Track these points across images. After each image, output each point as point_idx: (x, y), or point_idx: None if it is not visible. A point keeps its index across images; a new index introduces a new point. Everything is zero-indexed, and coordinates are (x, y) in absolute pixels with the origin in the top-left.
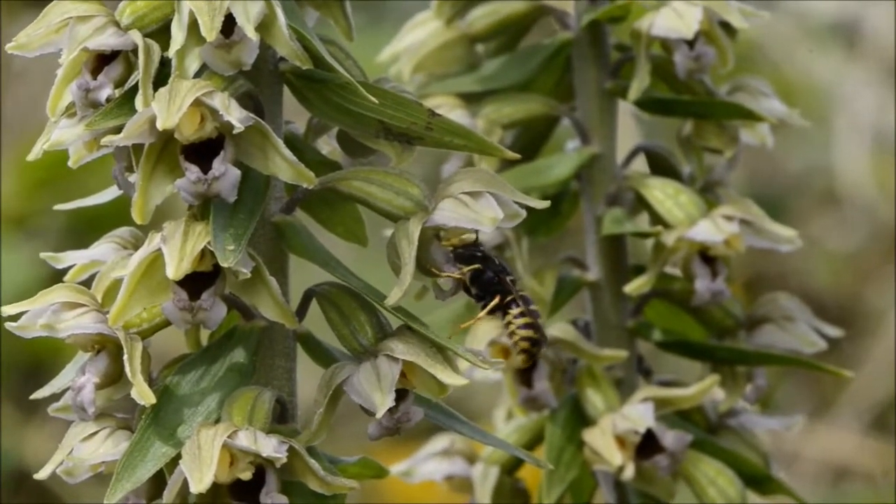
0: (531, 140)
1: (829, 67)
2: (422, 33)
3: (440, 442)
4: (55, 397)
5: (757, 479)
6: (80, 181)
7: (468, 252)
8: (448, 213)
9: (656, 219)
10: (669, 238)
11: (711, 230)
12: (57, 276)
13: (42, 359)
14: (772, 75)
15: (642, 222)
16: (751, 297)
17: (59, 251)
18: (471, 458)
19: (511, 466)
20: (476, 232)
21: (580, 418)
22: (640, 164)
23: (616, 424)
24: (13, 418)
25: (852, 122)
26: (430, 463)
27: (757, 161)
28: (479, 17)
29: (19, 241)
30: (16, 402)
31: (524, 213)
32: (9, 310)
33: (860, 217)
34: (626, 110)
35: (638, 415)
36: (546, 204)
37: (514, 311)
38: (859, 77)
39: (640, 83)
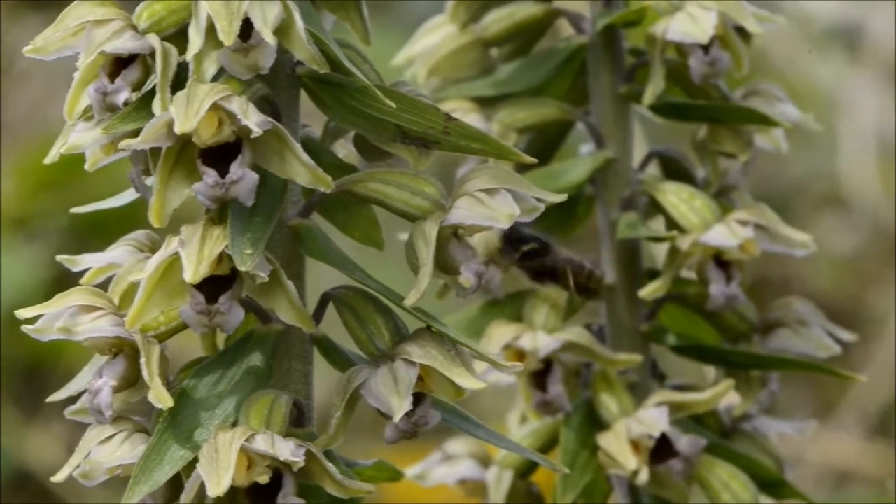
0: (545, 144)
1: (831, 71)
2: (436, 37)
3: (454, 445)
4: (59, 399)
5: (771, 483)
6: (83, 183)
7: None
8: (465, 212)
9: (671, 223)
10: (684, 242)
11: (726, 235)
12: (57, 279)
13: (43, 360)
14: (774, 79)
15: (657, 226)
16: (753, 301)
17: (61, 254)
18: (484, 462)
19: (525, 470)
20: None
21: (594, 422)
22: (654, 169)
23: (631, 429)
24: (15, 419)
25: (855, 126)
26: (443, 466)
27: (760, 164)
28: (493, 22)
29: (19, 244)
30: (18, 402)
31: (542, 207)
32: (25, 313)
33: (862, 220)
34: (635, 114)
35: (652, 419)
36: (563, 197)
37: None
38: (862, 81)
39: (654, 87)
